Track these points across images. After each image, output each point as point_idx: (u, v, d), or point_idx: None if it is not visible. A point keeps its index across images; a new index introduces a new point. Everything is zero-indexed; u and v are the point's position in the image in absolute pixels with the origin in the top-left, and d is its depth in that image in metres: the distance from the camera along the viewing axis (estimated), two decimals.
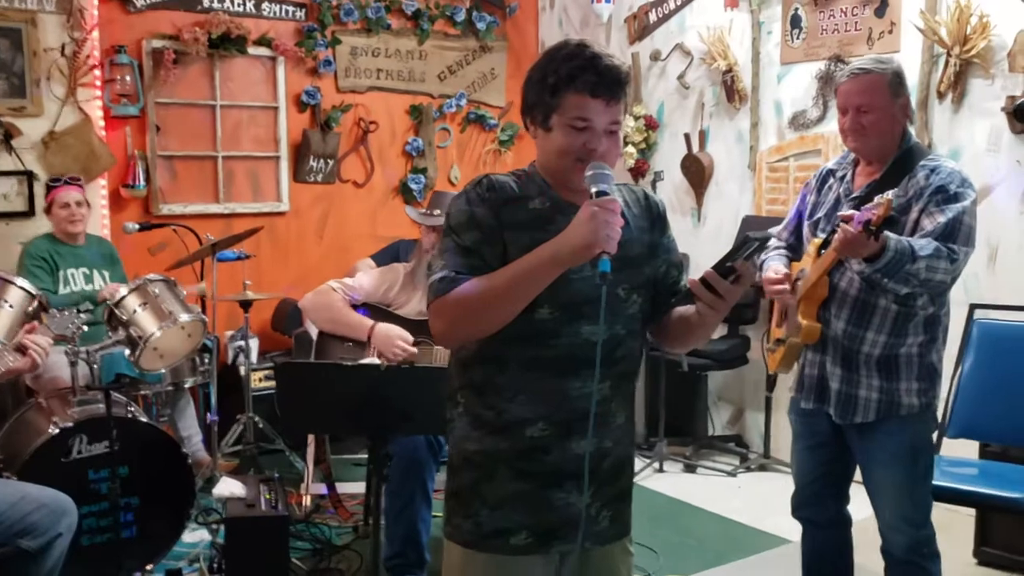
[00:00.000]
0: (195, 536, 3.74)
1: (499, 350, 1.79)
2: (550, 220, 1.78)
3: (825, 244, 2.57)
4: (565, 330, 1.78)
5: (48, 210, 4.34)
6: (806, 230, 2.76)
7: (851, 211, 2.41)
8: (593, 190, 1.69)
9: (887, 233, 2.36)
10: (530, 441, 1.80)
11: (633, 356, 1.91)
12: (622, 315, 1.84)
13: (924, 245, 2.39)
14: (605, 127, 1.77)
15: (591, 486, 1.83)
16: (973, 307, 3.59)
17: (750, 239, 1.69)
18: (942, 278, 2.42)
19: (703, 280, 1.72)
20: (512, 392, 1.80)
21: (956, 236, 2.43)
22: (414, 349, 3.44)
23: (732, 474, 4.80)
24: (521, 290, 1.71)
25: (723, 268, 1.72)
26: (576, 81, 1.74)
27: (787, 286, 2.67)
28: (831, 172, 2.75)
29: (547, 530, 1.83)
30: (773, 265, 2.76)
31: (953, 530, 3.41)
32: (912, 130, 2.67)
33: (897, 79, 2.55)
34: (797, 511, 2.89)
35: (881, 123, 2.54)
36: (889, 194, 2.33)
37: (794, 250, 2.83)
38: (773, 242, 2.88)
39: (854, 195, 2.61)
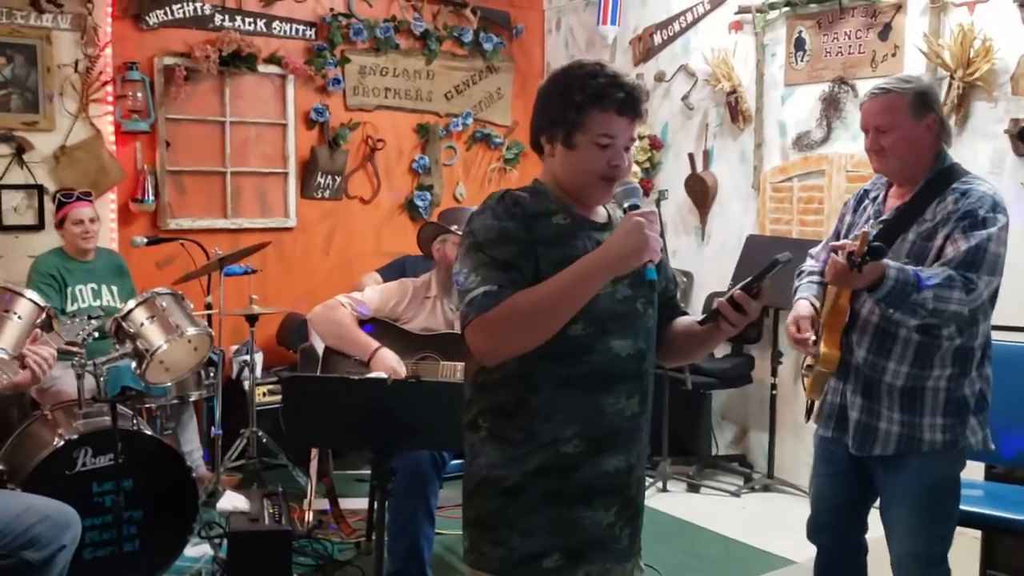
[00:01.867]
0: (198, 550, 3.74)
1: (530, 369, 1.77)
2: (574, 236, 1.82)
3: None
4: (597, 346, 1.80)
5: (59, 225, 4.34)
6: None
7: (844, 241, 2.39)
8: (627, 204, 1.80)
9: (888, 262, 2.33)
10: (563, 459, 1.80)
11: (653, 370, 1.95)
12: (643, 329, 1.89)
13: (934, 274, 2.33)
14: (625, 144, 1.83)
15: (616, 503, 1.86)
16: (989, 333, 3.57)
17: (778, 262, 1.80)
18: (957, 308, 2.34)
19: (731, 300, 1.81)
20: (548, 411, 1.79)
21: (978, 264, 2.34)
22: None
23: (736, 494, 4.78)
24: (571, 301, 1.72)
25: (749, 288, 1.80)
26: (603, 99, 1.78)
27: (808, 336, 2.60)
28: (867, 192, 2.70)
29: (577, 550, 1.83)
30: (798, 308, 2.67)
31: (958, 552, 3.38)
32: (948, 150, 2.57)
33: (920, 99, 2.47)
34: (813, 536, 2.82)
35: (900, 144, 2.47)
36: (866, 227, 2.32)
37: None
38: (809, 264, 2.85)
39: (883, 218, 2.55)
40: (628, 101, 1.79)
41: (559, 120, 1.82)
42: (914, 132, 2.47)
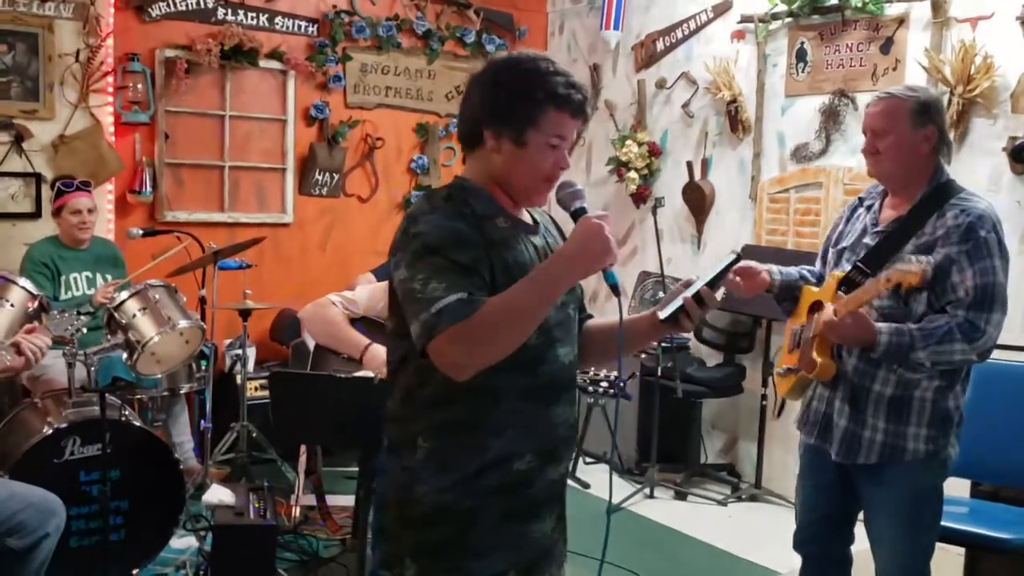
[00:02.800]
0: (183, 542, 3.74)
1: (493, 381, 1.68)
2: (517, 239, 1.77)
3: (845, 280, 2.52)
4: (548, 355, 1.77)
5: (57, 213, 4.33)
6: (831, 257, 2.72)
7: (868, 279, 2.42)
8: (576, 206, 1.77)
9: (879, 326, 2.39)
10: (517, 476, 1.74)
11: None
12: (575, 336, 1.89)
13: (930, 332, 2.36)
14: (568, 147, 1.80)
15: (556, 510, 1.85)
16: None
17: (738, 256, 1.86)
18: (962, 359, 2.38)
19: (697, 297, 1.81)
20: (501, 427, 1.71)
21: (988, 303, 2.37)
22: None
23: (723, 503, 4.79)
24: (544, 308, 1.67)
25: (713, 284, 1.83)
26: (562, 100, 1.73)
27: (739, 280, 2.61)
28: (861, 200, 2.72)
29: (529, 565, 1.80)
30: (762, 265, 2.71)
31: (943, 569, 3.39)
32: (946, 166, 2.59)
33: (921, 108, 2.48)
34: (798, 546, 2.83)
35: (895, 149, 2.48)
36: (927, 260, 2.31)
37: (821, 279, 2.78)
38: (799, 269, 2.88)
39: (879, 228, 2.57)
40: (583, 105, 1.77)
41: (512, 115, 1.72)
42: (910, 139, 2.49)
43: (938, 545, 2.94)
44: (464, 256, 1.65)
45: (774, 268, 2.74)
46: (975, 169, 4.03)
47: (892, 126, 2.49)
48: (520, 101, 1.72)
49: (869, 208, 2.66)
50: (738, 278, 2.61)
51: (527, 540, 1.78)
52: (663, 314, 1.85)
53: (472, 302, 1.60)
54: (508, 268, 1.70)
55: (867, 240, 2.59)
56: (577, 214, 1.77)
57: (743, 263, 2.60)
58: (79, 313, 3.21)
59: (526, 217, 1.85)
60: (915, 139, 2.49)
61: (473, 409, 1.70)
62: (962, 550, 3.44)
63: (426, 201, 1.74)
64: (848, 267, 2.59)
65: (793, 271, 2.79)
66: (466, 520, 1.72)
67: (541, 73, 1.73)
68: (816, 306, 2.64)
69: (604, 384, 3.07)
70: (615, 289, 1.77)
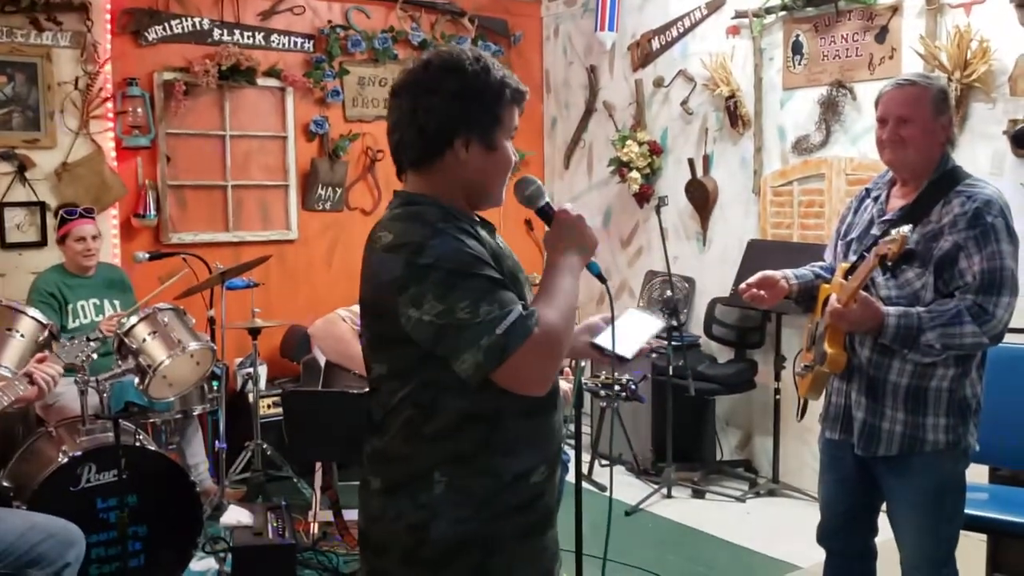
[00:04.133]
0: (203, 564, 3.74)
1: (494, 403, 1.63)
2: (497, 245, 1.74)
3: (852, 269, 2.51)
4: None
5: (61, 241, 4.35)
6: (839, 249, 2.72)
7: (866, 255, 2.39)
8: (543, 203, 1.77)
9: (887, 310, 2.38)
10: (533, 489, 1.72)
11: None
12: None
13: (938, 313, 2.35)
14: None
15: (557, 511, 1.84)
16: None
17: (670, 325, 1.96)
18: (973, 341, 2.36)
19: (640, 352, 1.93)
20: (513, 444, 1.68)
21: (997, 287, 2.36)
22: None
23: (741, 500, 4.77)
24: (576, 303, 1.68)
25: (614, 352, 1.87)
26: (518, 94, 1.72)
27: (760, 292, 2.65)
28: (868, 191, 2.71)
29: (545, 573, 1.79)
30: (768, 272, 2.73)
31: (964, 556, 3.37)
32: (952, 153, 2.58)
33: (941, 96, 2.49)
34: (822, 540, 2.83)
35: (920, 137, 2.47)
36: (906, 228, 2.31)
37: (833, 272, 2.77)
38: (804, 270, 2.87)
39: (886, 217, 2.56)
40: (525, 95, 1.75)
41: (482, 119, 1.67)
42: (933, 127, 2.48)
43: (960, 532, 2.94)
44: (494, 271, 1.60)
45: (789, 273, 2.74)
46: (976, 154, 4.02)
47: (917, 113, 2.47)
48: (490, 105, 1.68)
49: (876, 199, 2.65)
50: (761, 291, 2.64)
51: (544, 551, 1.77)
52: (629, 354, 1.90)
53: (532, 314, 1.56)
54: (508, 276, 1.67)
55: (874, 231, 2.58)
56: (545, 210, 1.77)
57: (763, 273, 2.66)
58: (88, 340, 3.22)
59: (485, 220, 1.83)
60: (936, 127, 2.49)
61: (482, 434, 1.65)
62: (984, 536, 3.43)
63: (417, 224, 1.61)
64: (855, 258, 2.58)
65: (807, 272, 2.78)
66: (487, 546, 1.67)
67: (499, 71, 1.69)
68: (829, 300, 2.64)
69: (617, 387, 3.07)
70: (601, 278, 1.79)
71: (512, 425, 1.66)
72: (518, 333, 1.53)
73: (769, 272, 2.69)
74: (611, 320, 1.86)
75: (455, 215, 1.67)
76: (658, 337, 1.91)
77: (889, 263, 2.26)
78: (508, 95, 1.69)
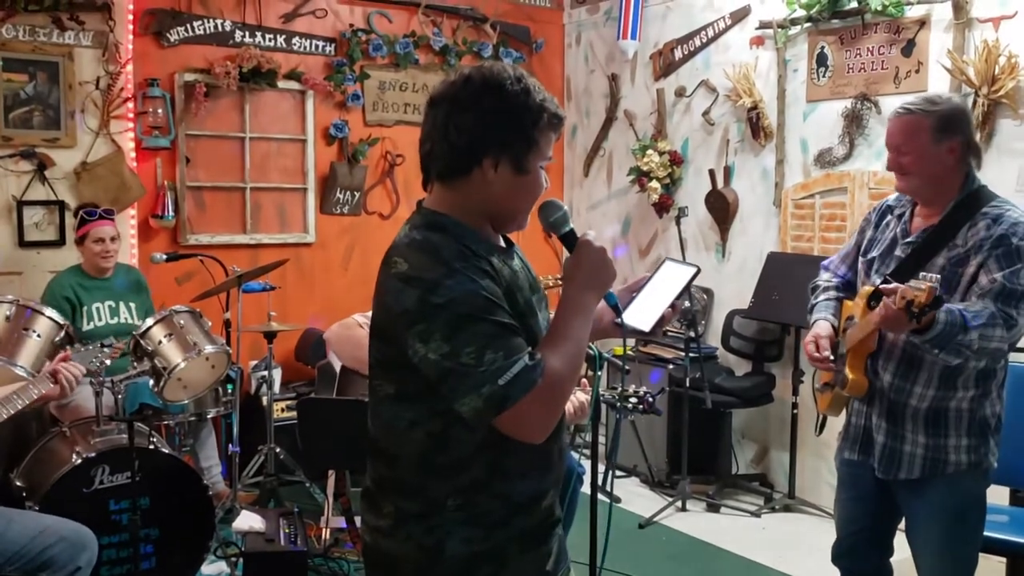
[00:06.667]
0: (214, 568, 3.74)
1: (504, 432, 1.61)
2: (513, 274, 1.70)
3: (875, 295, 2.44)
4: None
5: (80, 242, 4.33)
6: (860, 267, 2.69)
7: (895, 285, 2.32)
8: (567, 228, 1.75)
9: None
10: (544, 512, 1.74)
11: None
12: None
13: (977, 313, 2.31)
14: None
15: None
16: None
17: (699, 269, 1.93)
18: (997, 346, 2.35)
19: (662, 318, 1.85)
20: (524, 469, 1.68)
21: (1017, 297, 2.33)
22: None
23: (756, 514, 4.73)
24: (587, 341, 1.65)
25: (680, 295, 1.87)
26: (556, 119, 1.67)
27: (828, 355, 2.61)
28: (890, 208, 2.67)
29: (550, 572, 1.79)
30: (816, 327, 2.68)
31: None
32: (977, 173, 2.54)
33: (943, 122, 2.43)
34: (837, 560, 2.81)
35: (918, 165, 2.45)
36: (933, 278, 2.28)
37: (849, 285, 2.76)
38: (824, 279, 2.83)
39: (910, 239, 2.53)
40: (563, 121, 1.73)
41: (518, 141, 1.63)
42: (933, 154, 2.44)
43: (979, 554, 2.89)
44: (505, 315, 1.57)
45: (828, 317, 2.71)
46: (1003, 171, 3.97)
47: (912, 143, 2.45)
48: (525, 128, 1.63)
49: (900, 217, 2.62)
50: (828, 354, 2.61)
51: (547, 556, 1.77)
52: (646, 326, 1.85)
53: (537, 365, 1.55)
54: (521, 310, 1.65)
55: (898, 252, 2.55)
56: (569, 237, 1.74)
57: (826, 335, 2.63)
58: (103, 346, 3.21)
59: (500, 240, 1.78)
60: (938, 153, 2.45)
61: (493, 463, 1.64)
62: (1003, 559, 3.38)
63: (434, 260, 1.57)
64: (878, 279, 2.54)
65: (835, 304, 2.75)
66: (497, 562, 1.68)
67: (536, 94, 1.65)
68: (850, 320, 2.61)
69: (633, 400, 3.05)
70: (617, 310, 1.77)
71: (522, 451, 1.64)
72: (521, 385, 1.52)
73: (831, 333, 2.66)
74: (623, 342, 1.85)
75: (470, 247, 1.62)
76: (687, 291, 1.84)
77: (916, 311, 2.21)
78: (545, 120, 1.65)
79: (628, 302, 1.89)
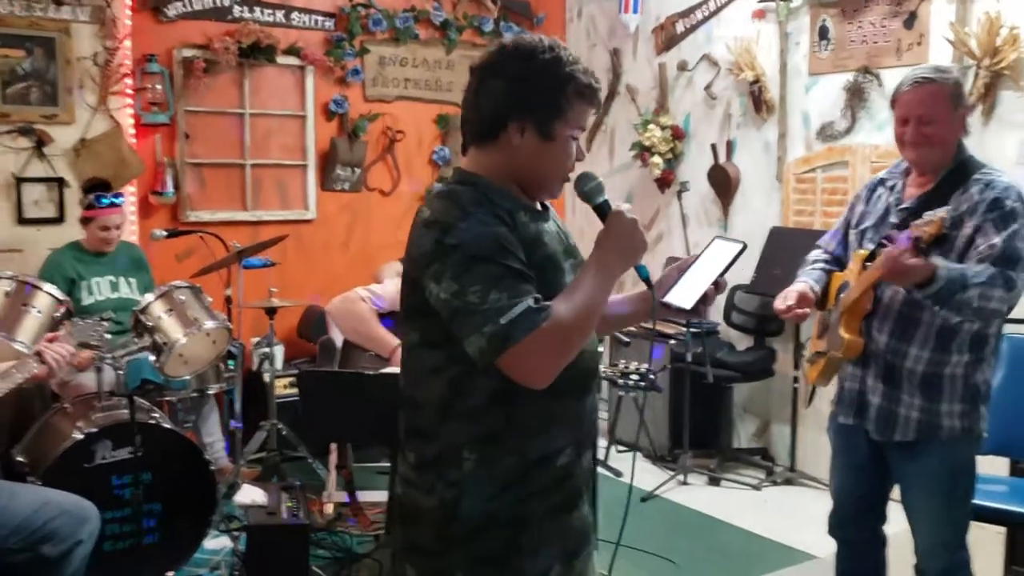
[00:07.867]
0: (216, 543, 3.74)
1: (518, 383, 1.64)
2: (540, 232, 1.73)
3: (871, 257, 2.49)
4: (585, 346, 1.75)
5: (85, 221, 4.29)
6: (852, 239, 2.71)
7: (895, 232, 2.34)
8: (600, 199, 1.77)
9: (937, 260, 2.32)
10: (559, 471, 1.74)
11: None
12: None
13: (979, 272, 2.32)
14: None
15: (589, 493, 1.84)
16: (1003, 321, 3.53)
17: (745, 245, 1.88)
18: (997, 306, 2.35)
19: (705, 296, 1.83)
20: (543, 426, 1.70)
21: (1016, 260, 2.34)
22: None
23: (757, 488, 4.74)
24: (605, 304, 1.69)
25: (724, 271, 1.85)
26: (586, 90, 1.71)
27: (802, 311, 2.62)
28: (882, 181, 2.68)
29: (572, 551, 1.79)
30: (793, 287, 2.69)
31: (982, 548, 3.35)
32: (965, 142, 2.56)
33: (958, 89, 2.49)
34: (834, 530, 2.84)
35: (943, 134, 2.46)
36: (942, 211, 2.28)
37: (840, 262, 2.77)
38: (815, 254, 2.84)
39: (904, 206, 2.54)
40: (599, 94, 1.76)
41: (543, 107, 1.68)
42: (953, 123, 2.48)
43: (978, 524, 2.92)
44: (516, 260, 1.61)
45: (811, 282, 2.71)
46: (1004, 143, 3.96)
47: (938, 112, 2.45)
48: (551, 94, 1.68)
49: (892, 188, 2.63)
50: (805, 310, 2.62)
51: (571, 529, 1.78)
52: (687, 304, 1.84)
53: (542, 309, 1.57)
54: (543, 265, 1.68)
55: (892, 219, 2.57)
56: (602, 207, 1.76)
57: (799, 291, 2.64)
58: (102, 319, 3.21)
59: (536, 205, 1.82)
60: (955, 121, 2.48)
61: (512, 414, 1.67)
62: (1002, 529, 3.40)
63: (452, 205, 1.64)
64: (872, 246, 2.56)
65: (819, 273, 2.76)
66: (516, 524, 1.70)
67: (566, 64, 1.69)
68: (843, 288, 2.61)
69: (634, 377, 3.05)
70: (648, 283, 1.80)
71: (542, 405, 1.67)
72: (523, 325, 1.55)
73: (803, 289, 2.67)
74: (652, 316, 1.86)
75: (492, 199, 1.67)
76: (730, 267, 1.85)
77: (924, 246, 2.22)
78: (572, 88, 1.69)
79: (675, 281, 1.89)
